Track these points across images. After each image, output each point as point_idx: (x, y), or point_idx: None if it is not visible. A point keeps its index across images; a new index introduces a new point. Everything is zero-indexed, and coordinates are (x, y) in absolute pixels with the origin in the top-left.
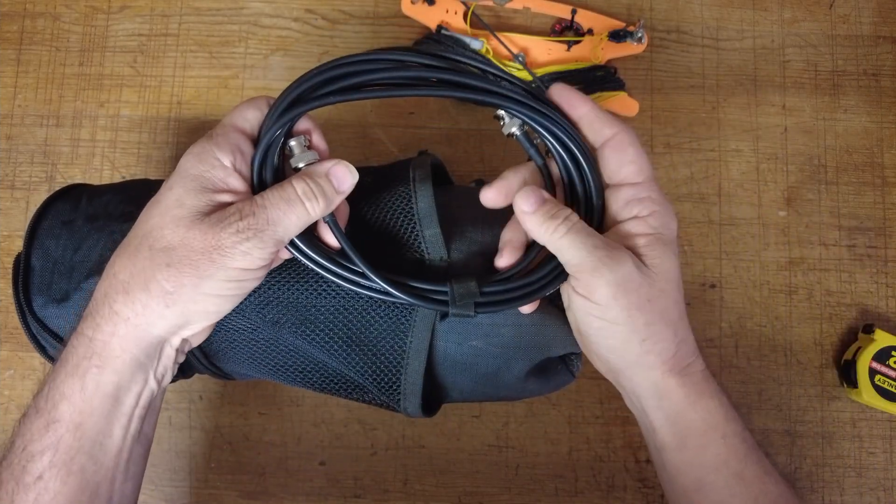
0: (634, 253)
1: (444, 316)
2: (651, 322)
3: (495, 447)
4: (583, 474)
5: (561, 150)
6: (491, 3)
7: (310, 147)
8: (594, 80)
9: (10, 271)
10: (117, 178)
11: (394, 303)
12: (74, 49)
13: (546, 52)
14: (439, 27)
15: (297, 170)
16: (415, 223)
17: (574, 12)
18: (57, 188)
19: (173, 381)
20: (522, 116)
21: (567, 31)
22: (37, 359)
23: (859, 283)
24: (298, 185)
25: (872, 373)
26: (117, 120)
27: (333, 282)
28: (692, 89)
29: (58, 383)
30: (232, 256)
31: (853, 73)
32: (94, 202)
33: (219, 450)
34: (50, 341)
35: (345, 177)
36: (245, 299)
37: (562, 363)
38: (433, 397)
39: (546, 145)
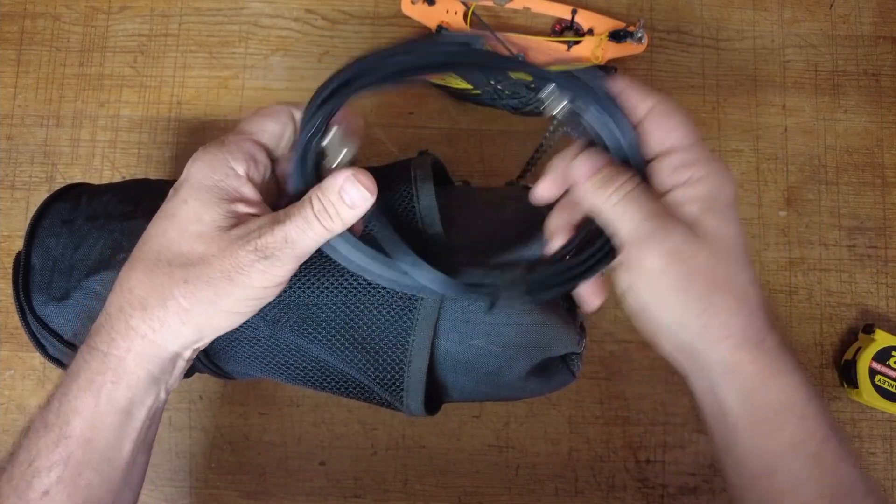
0: (688, 221)
1: (492, 305)
2: (708, 293)
3: (495, 447)
4: (583, 474)
5: (610, 125)
6: (491, 3)
7: (346, 135)
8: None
9: (10, 271)
10: (117, 178)
11: (407, 296)
12: (75, 49)
13: (546, 52)
14: (439, 27)
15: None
16: (416, 221)
17: (574, 12)
18: (57, 188)
19: None
20: (569, 93)
21: (567, 31)
22: (37, 359)
23: (859, 284)
24: (315, 203)
25: (872, 373)
26: (117, 120)
27: (376, 280)
28: (692, 89)
29: (70, 398)
30: (250, 275)
31: (853, 73)
32: (94, 201)
33: (219, 450)
34: (50, 340)
35: (357, 198)
36: None
37: (562, 363)
38: (434, 396)
39: (589, 124)
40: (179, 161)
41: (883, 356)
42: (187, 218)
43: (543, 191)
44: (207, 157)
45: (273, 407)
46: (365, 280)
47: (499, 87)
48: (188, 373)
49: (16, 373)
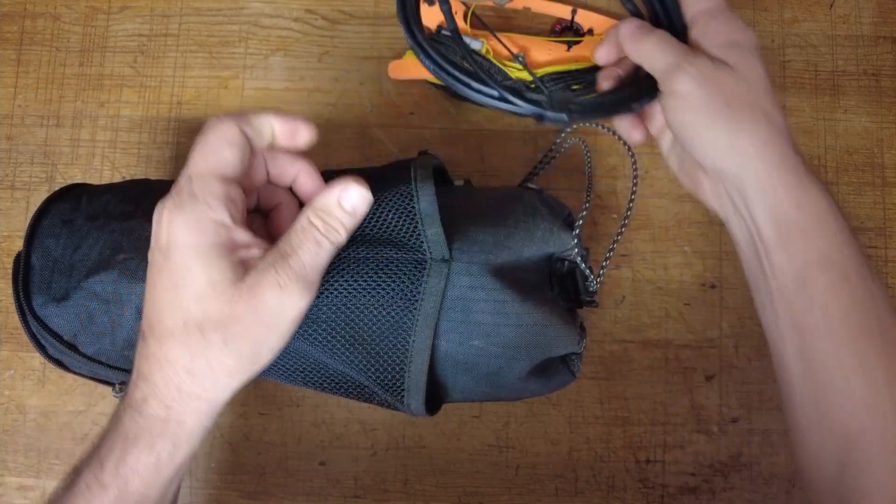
0: (714, 56)
1: (539, 118)
2: (736, 112)
3: (495, 447)
4: (583, 474)
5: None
6: (491, 3)
7: None
8: (594, 80)
9: (10, 271)
10: (117, 179)
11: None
12: (74, 49)
13: (546, 52)
14: (439, 27)
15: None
16: (416, 222)
17: (574, 12)
18: (57, 188)
19: None
20: None
21: (567, 31)
22: (37, 358)
23: None
24: (319, 224)
25: None
26: (117, 120)
27: (452, 84)
28: None
29: (129, 461)
30: (283, 313)
31: (853, 73)
32: (94, 202)
33: (219, 450)
34: (50, 340)
35: (358, 203)
36: None
37: (562, 363)
38: (434, 396)
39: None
40: (179, 161)
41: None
42: (199, 284)
43: (602, 54)
44: (188, 217)
45: (273, 407)
46: (363, 280)
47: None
48: None
49: (16, 373)
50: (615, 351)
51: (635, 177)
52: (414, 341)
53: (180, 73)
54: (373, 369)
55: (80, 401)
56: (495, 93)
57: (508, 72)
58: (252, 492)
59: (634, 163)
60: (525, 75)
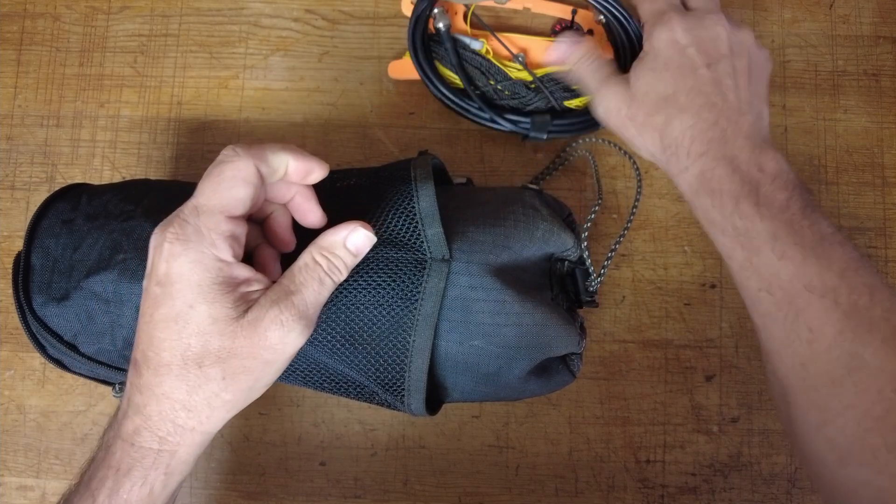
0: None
1: (525, 137)
2: (637, 127)
3: (495, 447)
4: (583, 475)
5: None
6: (491, 4)
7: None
8: None
9: (10, 271)
10: (118, 179)
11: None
12: (75, 49)
13: (546, 53)
14: (438, 28)
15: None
16: (416, 222)
17: (574, 13)
18: (57, 189)
19: None
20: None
21: (567, 31)
22: (37, 359)
23: None
24: (323, 262)
25: None
26: (117, 120)
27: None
28: None
29: (122, 493)
30: (283, 350)
31: (853, 73)
32: (94, 201)
33: (219, 450)
34: (50, 340)
35: (364, 244)
36: None
37: (562, 363)
38: (434, 396)
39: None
40: (179, 161)
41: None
42: (200, 321)
43: (551, 56)
44: (191, 254)
45: (273, 407)
46: (364, 279)
47: (499, 87)
48: None
49: (16, 373)
50: (615, 351)
51: (639, 184)
52: (414, 341)
53: (180, 74)
54: (373, 369)
55: (80, 401)
56: (486, 116)
57: (508, 72)
58: (252, 492)
59: (637, 169)
60: (525, 75)
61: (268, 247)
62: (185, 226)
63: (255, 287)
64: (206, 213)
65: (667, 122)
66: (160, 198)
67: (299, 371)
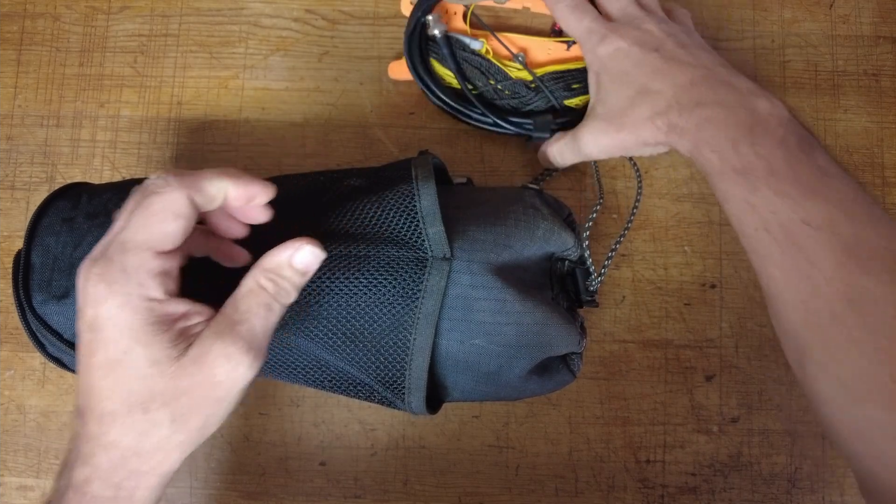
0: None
1: (529, 139)
2: (629, 129)
3: (495, 447)
4: (583, 475)
5: None
6: (490, 3)
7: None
8: None
9: (10, 270)
10: (118, 179)
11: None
12: (75, 49)
13: (546, 52)
14: (435, 34)
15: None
16: (418, 221)
17: None
18: (57, 188)
19: None
20: None
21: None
22: (37, 358)
23: None
24: (269, 286)
25: None
26: (117, 120)
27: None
28: None
29: None
30: (232, 385)
31: (853, 73)
32: (94, 200)
33: (219, 450)
34: (49, 339)
35: (311, 262)
36: None
37: (563, 363)
38: (435, 395)
39: None
40: (179, 161)
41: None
42: (139, 365)
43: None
44: (119, 298)
45: (273, 407)
46: (365, 278)
47: (499, 86)
48: None
49: (16, 373)
50: (615, 351)
51: (639, 184)
52: (415, 339)
53: (180, 74)
54: (373, 367)
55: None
56: (489, 120)
57: (508, 71)
58: (252, 492)
59: (637, 169)
60: (525, 75)
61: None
62: (110, 265)
63: (196, 320)
64: (132, 249)
65: (651, 107)
66: None
67: (300, 368)
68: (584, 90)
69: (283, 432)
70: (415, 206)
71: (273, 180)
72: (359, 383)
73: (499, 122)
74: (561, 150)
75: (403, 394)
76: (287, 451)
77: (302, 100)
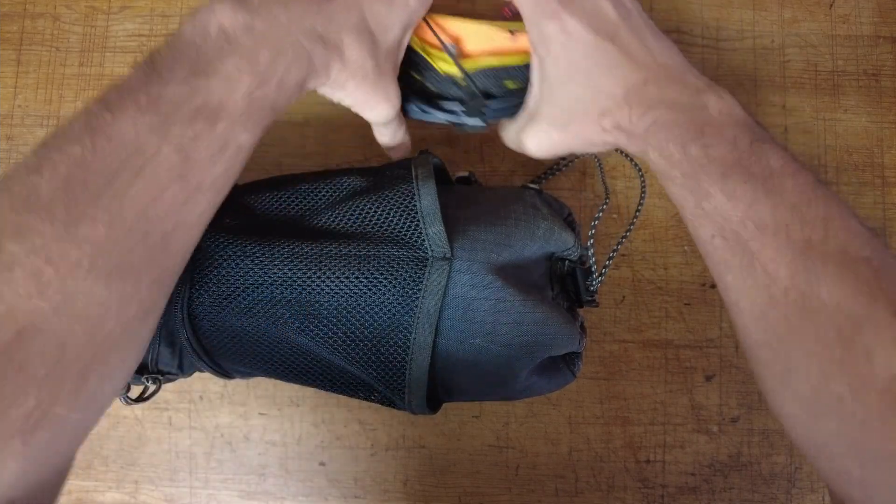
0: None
1: (459, 126)
2: (577, 128)
3: (495, 447)
4: (583, 474)
5: None
6: None
7: None
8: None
9: None
10: None
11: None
12: (75, 49)
13: (486, 41)
14: None
15: None
16: (418, 221)
17: None
18: None
19: (173, 380)
20: None
21: (519, 17)
22: None
23: None
24: None
25: None
26: None
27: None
28: None
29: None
30: None
31: (853, 73)
32: None
33: (219, 450)
34: None
35: None
36: (249, 297)
37: (563, 363)
38: (435, 395)
39: None
40: None
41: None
42: None
43: None
44: None
45: (273, 407)
46: (365, 277)
47: (426, 83)
48: (189, 371)
49: None
50: (615, 351)
51: (643, 184)
52: (415, 339)
53: None
54: (374, 366)
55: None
56: (415, 107)
57: (435, 64)
58: (252, 492)
59: (640, 170)
60: (454, 70)
61: None
62: None
63: None
64: None
65: (599, 108)
66: None
67: (302, 368)
68: (521, 91)
69: (283, 432)
70: (415, 205)
71: (273, 180)
72: (359, 383)
73: (424, 108)
74: (511, 143)
75: (404, 393)
76: (287, 451)
77: (302, 100)
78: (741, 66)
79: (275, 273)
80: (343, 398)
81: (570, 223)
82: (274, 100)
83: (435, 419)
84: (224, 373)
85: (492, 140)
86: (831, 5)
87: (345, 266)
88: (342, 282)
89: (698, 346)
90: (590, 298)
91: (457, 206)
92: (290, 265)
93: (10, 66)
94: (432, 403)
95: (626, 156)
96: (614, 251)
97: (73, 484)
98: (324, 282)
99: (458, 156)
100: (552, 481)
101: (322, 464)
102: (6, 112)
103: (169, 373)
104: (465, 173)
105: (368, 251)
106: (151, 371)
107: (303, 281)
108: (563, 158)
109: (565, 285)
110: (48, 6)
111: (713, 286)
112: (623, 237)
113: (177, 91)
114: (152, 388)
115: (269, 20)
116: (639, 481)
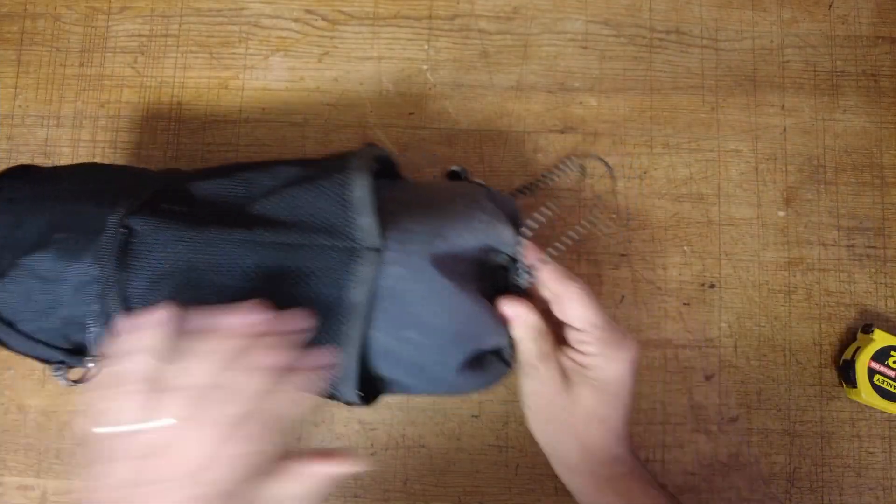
0: (568, 378)
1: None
2: (553, 428)
3: (495, 447)
4: None
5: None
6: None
7: None
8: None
9: None
10: None
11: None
12: (75, 50)
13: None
14: None
15: None
16: (349, 211)
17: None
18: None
19: None
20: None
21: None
22: None
23: (858, 283)
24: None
25: (871, 372)
26: (117, 120)
27: None
28: (691, 90)
29: None
30: None
31: (852, 73)
32: (42, 182)
33: None
34: None
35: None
36: (178, 280)
37: (495, 355)
38: (371, 387)
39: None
40: (180, 161)
41: (882, 356)
42: None
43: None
44: None
45: None
46: (296, 266)
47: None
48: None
49: (16, 372)
50: None
51: (592, 218)
52: (344, 330)
53: (180, 74)
54: None
55: (81, 400)
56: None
57: None
58: None
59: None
60: None
61: None
62: None
63: None
64: None
65: (603, 437)
66: (108, 181)
67: None
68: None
69: (283, 432)
70: (347, 195)
71: (216, 168)
72: None
73: None
74: (521, 344)
75: (337, 385)
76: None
77: (302, 100)
78: (740, 66)
79: (205, 258)
80: None
81: (513, 219)
82: None
83: (435, 419)
84: None
85: (491, 140)
86: (830, 6)
87: (275, 255)
88: (272, 270)
89: (697, 345)
90: (518, 292)
91: (398, 201)
92: (221, 251)
93: (11, 66)
94: (368, 395)
95: (603, 160)
96: (559, 248)
97: (69, 484)
98: (253, 269)
99: (458, 156)
100: (552, 481)
101: None
102: (6, 112)
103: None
104: (458, 168)
105: (300, 240)
106: (91, 354)
107: (231, 267)
108: (551, 172)
109: (497, 279)
110: (48, 6)
111: (712, 286)
112: (566, 240)
113: None
114: (93, 370)
115: None
116: None
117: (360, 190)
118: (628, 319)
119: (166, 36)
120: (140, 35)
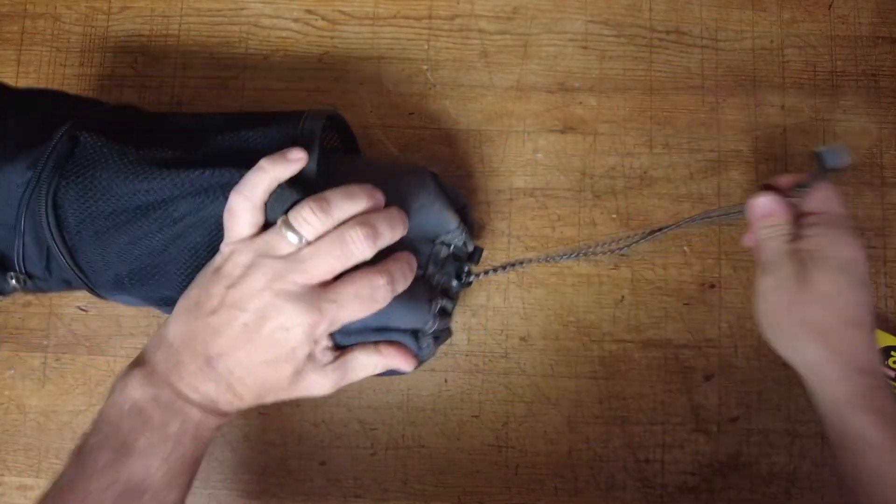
0: (802, 267)
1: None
2: (789, 326)
3: (495, 447)
4: (582, 474)
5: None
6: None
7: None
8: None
9: None
10: None
11: None
12: (75, 50)
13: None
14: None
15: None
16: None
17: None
18: None
19: (43, 288)
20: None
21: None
22: (37, 358)
23: None
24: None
25: None
26: None
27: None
28: (691, 90)
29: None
30: None
31: (852, 73)
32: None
33: (219, 450)
34: None
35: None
36: (116, 204)
37: (413, 342)
38: None
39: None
40: None
41: (882, 356)
42: None
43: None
44: None
45: (273, 407)
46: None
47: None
48: (57, 279)
49: (16, 372)
50: (615, 351)
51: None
52: None
53: (180, 74)
54: None
55: (81, 401)
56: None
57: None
58: (252, 491)
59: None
60: None
61: None
62: None
63: None
64: None
65: (850, 337)
66: (66, 104)
67: (156, 274)
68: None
69: (283, 432)
70: (296, 131)
71: (171, 115)
72: None
73: None
74: (762, 244)
75: None
76: (287, 451)
77: (302, 100)
78: (740, 66)
79: (145, 184)
80: (343, 398)
81: (461, 212)
82: (192, 454)
83: (435, 419)
84: (89, 282)
85: (491, 140)
86: (830, 6)
87: (221, 196)
88: (216, 210)
89: (697, 345)
90: (466, 282)
91: (346, 174)
92: (164, 176)
93: (11, 66)
94: None
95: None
96: (510, 265)
97: None
98: (204, 208)
99: (458, 156)
100: (552, 481)
101: (322, 463)
102: None
103: (36, 276)
104: (435, 170)
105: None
106: (18, 269)
107: (169, 190)
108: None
109: (445, 268)
110: (48, 6)
111: (712, 286)
112: (518, 263)
113: (101, 482)
114: (15, 285)
115: (172, 389)
116: (638, 481)
117: (311, 123)
118: (628, 319)
119: (166, 36)
120: (140, 35)
